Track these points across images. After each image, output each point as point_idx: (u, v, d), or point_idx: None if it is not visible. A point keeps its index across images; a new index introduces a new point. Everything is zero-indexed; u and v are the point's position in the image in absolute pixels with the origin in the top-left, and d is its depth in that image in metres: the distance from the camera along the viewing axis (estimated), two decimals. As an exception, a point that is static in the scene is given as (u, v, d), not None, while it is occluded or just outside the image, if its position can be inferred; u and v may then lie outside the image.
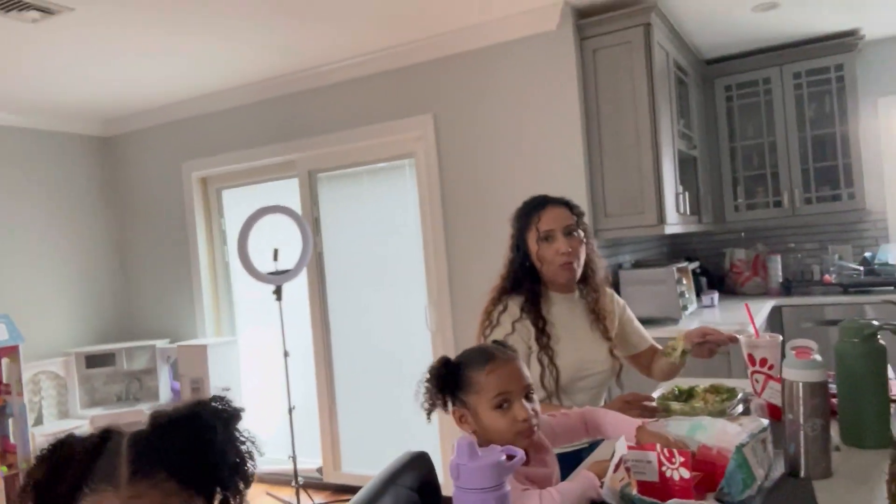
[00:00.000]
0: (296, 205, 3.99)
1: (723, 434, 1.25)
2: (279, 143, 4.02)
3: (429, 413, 1.31)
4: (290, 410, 3.70)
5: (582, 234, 1.88)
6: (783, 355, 1.39)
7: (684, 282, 3.52)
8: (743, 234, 4.49)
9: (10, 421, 3.69)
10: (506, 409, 1.24)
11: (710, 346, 1.75)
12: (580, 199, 3.12)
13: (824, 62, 4.00)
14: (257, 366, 4.37)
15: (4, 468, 3.58)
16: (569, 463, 1.52)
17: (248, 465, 0.74)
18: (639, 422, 1.38)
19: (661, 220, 3.13)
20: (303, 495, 3.76)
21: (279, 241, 3.84)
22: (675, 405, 1.63)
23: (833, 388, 1.46)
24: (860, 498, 1.16)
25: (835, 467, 1.27)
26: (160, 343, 4.41)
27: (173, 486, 0.69)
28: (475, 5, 3.08)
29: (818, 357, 1.29)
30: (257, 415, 4.36)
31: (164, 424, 0.72)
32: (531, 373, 1.80)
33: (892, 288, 3.75)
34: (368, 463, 3.88)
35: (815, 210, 4.07)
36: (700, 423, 1.32)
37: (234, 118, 4.19)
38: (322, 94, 3.87)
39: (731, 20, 3.57)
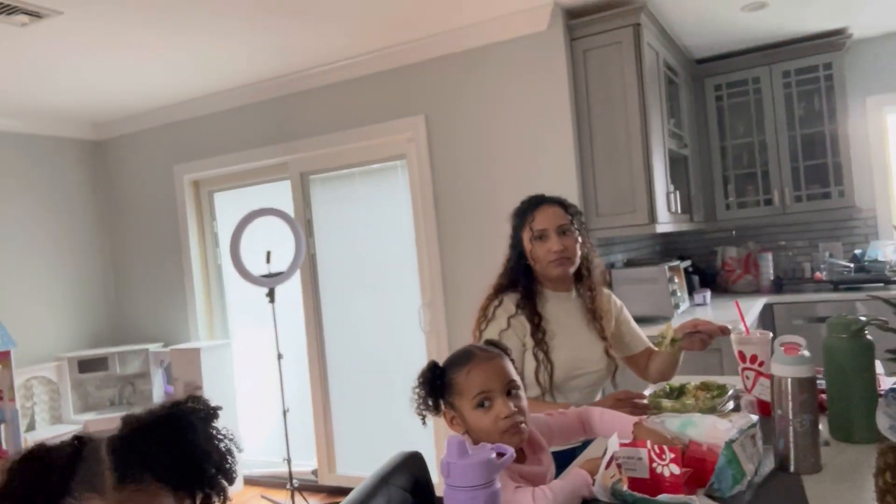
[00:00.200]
0: (288, 207, 3.99)
1: (713, 430, 1.26)
2: (271, 145, 4.02)
3: (423, 418, 1.32)
4: (285, 413, 3.70)
5: (577, 233, 1.90)
6: (773, 352, 1.40)
7: (676, 280, 3.53)
8: (734, 232, 4.51)
9: (3, 427, 3.66)
10: (488, 408, 1.25)
11: (701, 338, 1.75)
12: (572, 198, 3.07)
13: (813, 61, 4.02)
14: (251, 368, 4.37)
15: (-3, 474, 3.55)
16: (564, 461, 1.52)
17: (230, 462, 0.74)
18: (634, 419, 1.39)
19: (653, 219, 3.15)
20: (298, 498, 3.75)
21: (272, 243, 3.83)
22: (667, 402, 1.64)
23: (822, 383, 1.48)
24: (849, 492, 1.17)
25: (824, 462, 1.28)
26: (153, 347, 4.39)
27: (160, 488, 0.69)
28: (466, 6, 3.09)
29: (806, 353, 1.31)
30: (251, 418, 4.36)
31: (143, 427, 0.71)
32: (526, 369, 1.82)
33: (882, 284, 3.78)
34: (363, 465, 3.87)
35: (806, 208, 4.10)
36: (691, 419, 1.33)
37: (226, 121, 4.18)
38: (314, 96, 3.87)
39: (720, 20, 3.59)
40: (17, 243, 4.21)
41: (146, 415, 0.72)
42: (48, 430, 4.06)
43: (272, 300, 3.68)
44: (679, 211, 3.58)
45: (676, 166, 3.79)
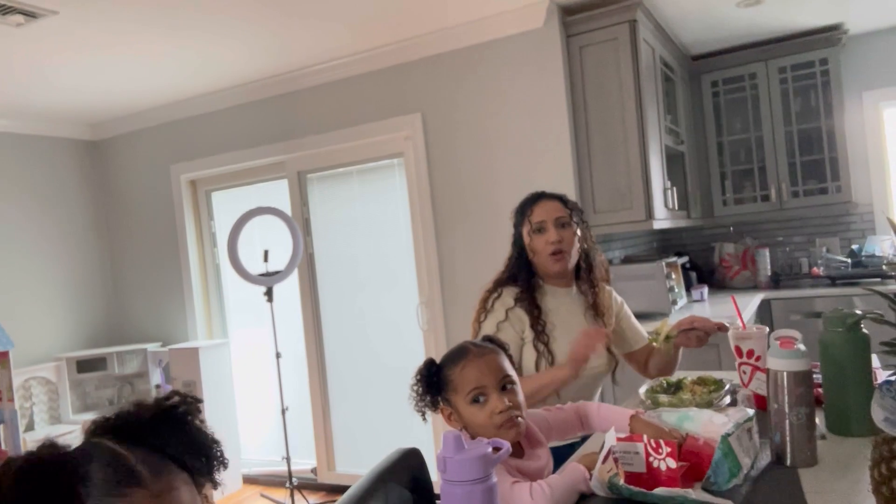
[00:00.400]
0: (286, 206, 3.99)
1: (709, 424, 1.27)
2: (268, 144, 4.02)
3: (422, 415, 1.33)
4: (284, 411, 3.70)
5: (576, 227, 1.91)
6: (769, 346, 1.40)
7: (673, 276, 3.54)
8: (731, 228, 4.52)
9: (1, 427, 3.66)
10: (483, 403, 1.26)
11: (697, 335, 1.76)
12: (569, 195, 3.12)
13: (809, 57, 4.03)
14: (250, 367, 4.37)
15: (-4, 475, 3.55)
16: (562, 456, 1.53)
17: (222, 450, 0.75)
18: (631, 412, 1.40)
19: (650, 215, 3.15)
20: (297, 496, 3.76)
21: (269, 242, 3.84)
22: (664, 397, 1.64)
23: (818, 377, 1.48)
24: (845, 485, 1.17)
25: (820, 455, 1.28)
26: (151, 346, 4.39)
27: (183, 477, 0.70)
28: (462, 4, 3.09)
29: (802, 346, 1.31)
30: (250, 417, 4.36)
31: (149, 422, 0.71)
32: (526, 360, 1.83)
33: (879, 279, 3.79)
34: (363, 463, 3.88)
35: (803, 203, 4.10)
36: (687, 414, 1.34)
37: (223, 120, 4.18)
38: (310, 95, 3.87)
39: (716, 16, 3.60)
40: (14, 244, 4.21)
41: (143, 410, 0.72)
42: (47, 431, 4.06)
43: (270, 299, 3.68)
44: (676, 207, 3.59)
45: (673, 162, 3.79)
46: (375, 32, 3.35)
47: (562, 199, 1.94)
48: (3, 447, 3.66)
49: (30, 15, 2.70)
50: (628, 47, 3.12)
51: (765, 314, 3.91)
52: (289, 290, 4.01)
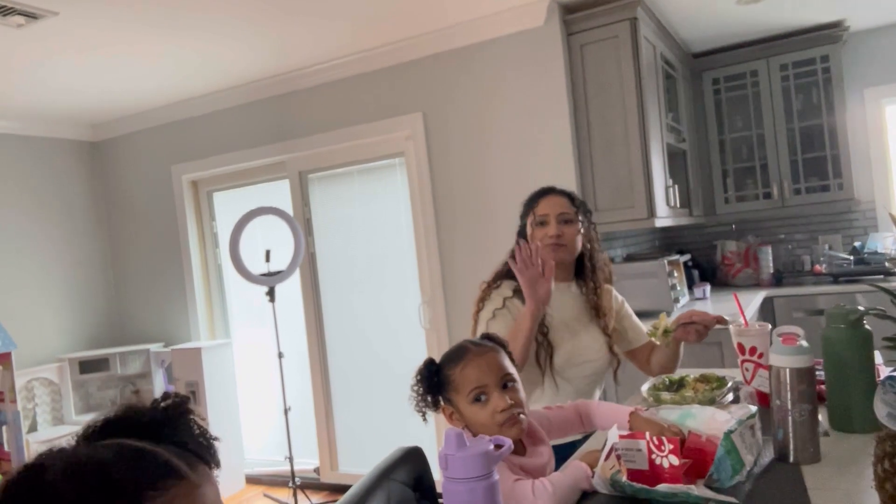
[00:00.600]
0: (287, 206, 4.00)
1: (712, 421, 1.26)
2: (269, 144, 4.02)
3: (423, 415, 1.33)
4: (286, 411, 3.70)
5: (580, 225, 1.91)
6: (772, 343, 1.39)
7: (675, 274, 3.53)
8: (733, 226, 4.51)
9: (4, 429, 3.67)
10: (484, 402, 1.26)
11: (696, 328, 1.75)
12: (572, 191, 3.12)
13: (810, 54, 4.02)
14: (252, 368, 4.37)
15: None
16: (564, 455, 1.53)
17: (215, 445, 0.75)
18: (631, 408, 1.39)
19: (652, 213, 3.15)
20: (300, 496, 3.76)
21: (271, 242, 3.84)
22: (666, 395, 1.64)
23: (821, 374, 1.48)
24: (848, 482, 1.17)
25: (823, 452, 1.28)
26: (154, 347, 4.40)
27: (207, 468, 0.70)
28: (462, 3, 3.09)
29: (804, 343, 1.30)
30: (253, 417, 4.36)
31: (160, 419, 0.71)
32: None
33: (881, 276, 3.78)
34: (365, 462, 3.87)
35: (805, 201, 4.10)
36: (689, 411, 1.33)
37: (224, 120, 4.18)
38: (311, 95, 3.87)
39: (716, 13, 3.59)
40: (16, 245, 4.22)
41: (146, 409, 0.72)
42: (50, 432, 4.06)
43: (272, 299, 3.68)
44: (678, 205, 3.58)
45: (675, 160, 3.79)
46: (376, 32, 3.35)
47: (570, 197, 1.96)
48: (6, 448, 3.67)
49: (30, 16, 2.70)
50: (629, 45, 3.12)
51: (767, 312, 3.90)
52: (291, 289, 4.01)
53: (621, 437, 1.21)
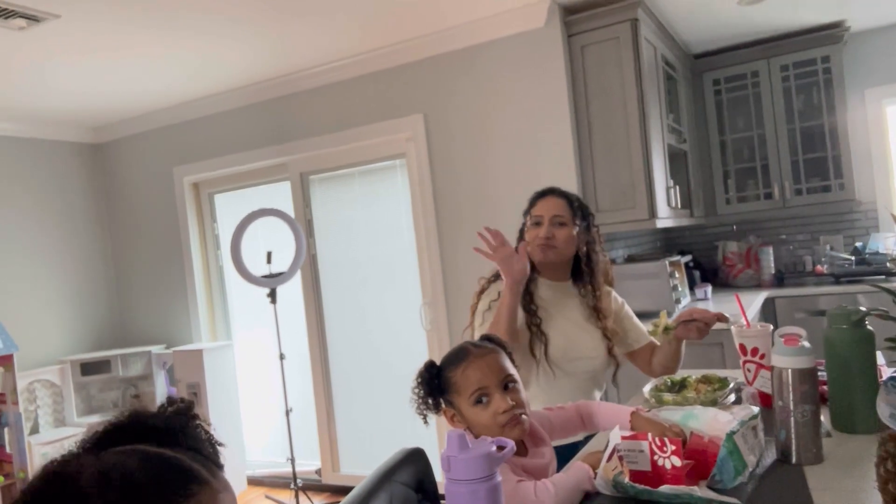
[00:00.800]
0: (288, 207, 4.00)
1: (714, 422, 1.26)
2: (270, 146, 4.02)
3: (424, 418, 1.33)
4: (288, 413, 3.70)
5: (576, 228, 1.93)
6: (773, 344, 1.40)
7: (677, 275, 3.53)
8: (735, 226, 4.51)
9: (6, 430, 3.67)
10: (486, 404, 1.26)
11: (697, 326, 1.76)
12: (575, 193, 3.12)
13: (811, 54, 4.02)
14: (254, 369, 4.37)
15: (1, 478, 3.56)
16: (566, 455, 1.53)
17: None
18: (631, 409, 1.39)
19: (653, 214, 3.15)
20: (302, 497, 3.76)
21: (272, 244, 3.84)
22: (668, 396, 1.64)
23: (823, 375, 1.48)
24: (851, 482, 1.17)
25: (826, 453, 1.28)
26: (156, 349, 4.40)
27: (222, 474, 0.70)
28: (463, 5, 3.09)
29: (807, 344, 1.30)
30: (255, 418, 4.37)
31: (172, 426, 0.70)
32: (520, 340, 1.84)
33: (883, 277, 3.78)
34: (367, 463, 3.87)
35: (806, 201, 4.10)
36: (692, 412, 1.33)
37: (225, 122, 4.19)
38: (312, 97, 3.87)
39: (717, 14, 3.59)
40: (18, 247, 4.22)
41: (156, 415, 0.72)
42: (52, 434, 4.06)
43: (274, 301, 3.68)
44: (679, 206, 3.58)
45: (676, 161, 3.79)
46: (377, 33, 3.35)
47: (569, 199, 1.97)
48: (8, 450, 3.67)
49: (32, 19, 2.70)
50: (630, 46, 3.12)
51: (769, 312, 3.90)
52: (292, 291, 4.01)
53: (623, 438, 1.21)
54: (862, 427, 1.37)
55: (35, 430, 4.12)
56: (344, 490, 3.89)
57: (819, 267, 4.12)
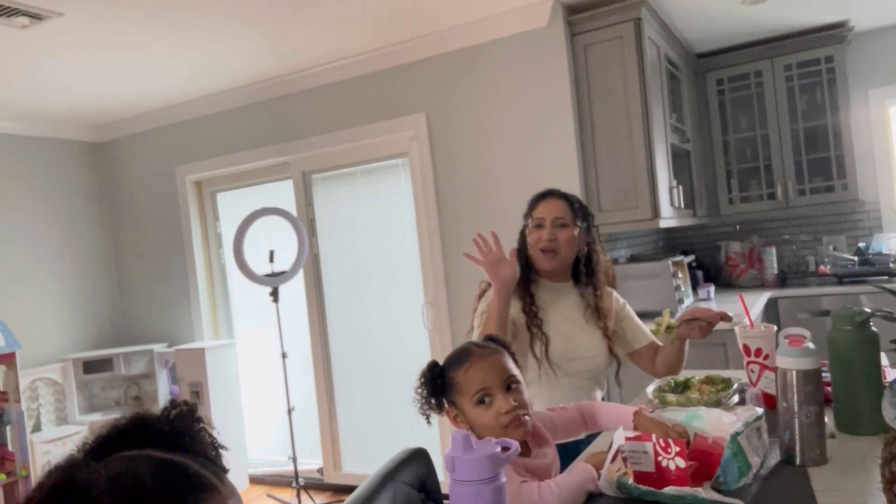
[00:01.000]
0: (291, 206, 4.00)
1: (718, 423, 1.26)
2: (273, 144, 4.02)
3: (427, 418, 1.33)
4: (290, 412, 3.70)
5: (577, 230, 1.93)
6: (778, 345, 1.39)
7: (680, 275, 3.52)
8: (737, 226, 4.50)
9: (8, 428, 3.68)
10: (488, 404, 1.26)
11: (700, 325, 1.76)
12: (575, 195, 3.12)
13: (815, 54, 4.01)
14: (256, 368, 4.37)
15: (3, 476, 3.57)
16: (567, 454, 1.53)
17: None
18: (634, 408, 1.39)
19: (656, 214, 3.14)
20: (303, 496, 3.76)
21: (275, 242, 3.84)
22: (672, 397, 1.64)
23: (827, 376, 1.47)
24: (855, 484, 1.16)
25: (830, 454, 1.27)
26: (158, 347, 4.40)
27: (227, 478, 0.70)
28: (466, 4, 3.09)
29: (811, 345, 1.30)
30: (257, 417, 4.37)
31: (177, 430, 0.69)
32: (521, 342, 1.84)
33: (886, 277, 3.77)
34: (369, 463, 3.88)
35: (809, 201, 4.09)
36: (696, 413, 1.33)
37: (227, 121, 4.19)
38: (314, 96, 3.87)
39: (720, 14, 3.59)
40: (20, 246, 4.23)
41: (160, 419, 0.71)
42: (54, 432, 4.07)
43: (276, 300, 3.68)
44: (682, 206, 3.57)
45: (679, 161, 3.78)
46: (379, 33, 3.35)
47: (569, 200, 1.97)
48: (11, 448, 3.67)
49: (35, 17, 2.71)
50: (633, 45, 3.11)
51: (771, 313, 3.90)
52: (294, 290, 4.02)
53: (627, 438, 1.20)
54: (866, 428, 1.36)
55: (37, 428, 4.12)
56: (345, 489, 3.90)
57: (822, 267, 4.12)
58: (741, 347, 1.67)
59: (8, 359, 3.64)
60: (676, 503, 1.12)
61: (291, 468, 3.75)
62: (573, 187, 3.15)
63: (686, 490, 1.10)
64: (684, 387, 1.71)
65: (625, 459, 1.18)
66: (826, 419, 1.30)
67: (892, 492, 0.99)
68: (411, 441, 1.75)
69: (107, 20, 2.84)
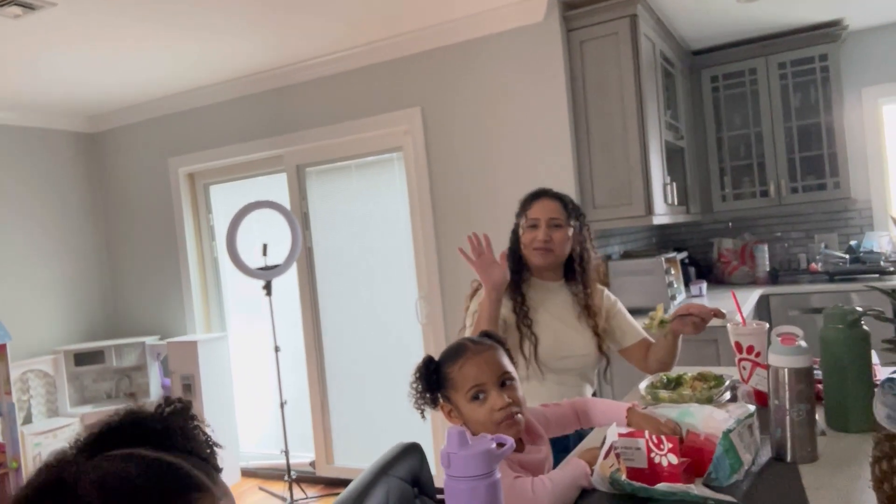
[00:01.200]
0: (284, 199, 3.98)
1: (710, 420, 1.27)
2: (267, 137, 4.01)
3: (421, 412, 1.33)
4: (282, 405, 3.71)
5: (570, 230, 1.95)
6: (769, 342, 1.40)
7: (672, 272, 3.54)
8: (730, 223, 4.52)
9: (-1, 420, 3.66)
10: (482, 400, 1.26)
11: (693, 320, 1.77)
12: (568, 190, 3.12)
13: (809, 52, 4.03)
14: (248, 361, 4.37)
15: (-6, 467, 3.56)
16: (557, 447, 1.53)
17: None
18: (628, 405, 1.40)
19: (649, 210, 3.15)
20: (295, 489, 3.77)
21: (268, 236, 3.83)
22: (664, 393, 1.65)
23: (818, 374, 1.49)
24: (845, 481, 1.17)
25: (820, 451, 1.29)
26: (150, 340, 4.39)
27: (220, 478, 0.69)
28: (462, -2, 3.08)
29: (803, 343, 1.31)
30: (249, 410, 4.37)
31: (170, 428, 0.68)
32: (511, 341, 1.86)
33: (877, 275, 3.80)
34: (361, 456, 3.89)
35: (801, 199, 4.11)
36: (688, 409, 1.34)
37: (221, 113, 4.17)
38: (309, 89, 3.85)
39: (716, 11, 3.59)
40: (11, 236, 4.20)
41: (153, 417, 0.70)
42: (45, 423, 4.05)
43: (269, 293, 3.68)
44: (675, 202, 3.59)
45: (673, 158, 3.79)
46: (374, 26, 3.33)
47: (563, 201, 1.99)
48: (1, 440, 3.66)
49: (28, 7, 2.68)
50: (629, 42, 3.12)
51: (763, 309, 3.92)
52: (287, 284, 4.01)
53: (620, 435, 1.21)
54: (856, 426, 1.38)
55: (28, 419, 4.11)
56: (337, 482, 3.91)
57: (813, 265, 4.14)
58: (733, 344, 1.68)
59: (-1, 350, 3.62)
60: (669, 499, 1.13)
61: (283, 461, 3.75)
62: (567, 183, 3.16)
63: (678, 487, 1.11)
64: (676, 383, 1.72)
65: (618, 455, 1.19)
66: (817, 417, 1.31)
67: (882, 490, 1.00)
68: (403, 435, 1.75)
69: (100, 10, 2.82)
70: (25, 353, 4.13)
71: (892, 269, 3.81)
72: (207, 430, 0.72)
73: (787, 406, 1.27)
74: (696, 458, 1.19)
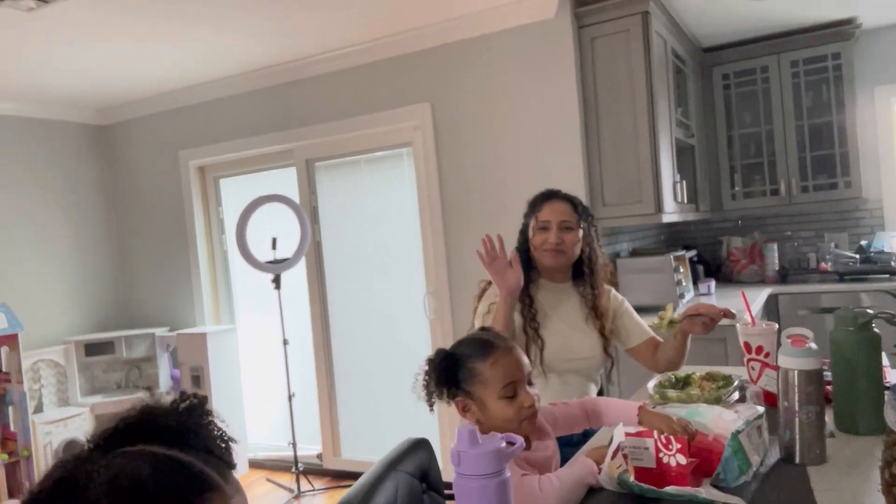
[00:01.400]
0: (294, 194, 4.00)
1: (719, 421, 1.27)
2: (277, 131, 4.02)
3: (431, 405, 1.33)
4: (290, 397, 3.73)
5: (581, 232, 1.96)
6: (779, 343, 1.40)
7: (681, 270, 3.53)
8: (740, 222, 4.50)
9: (10, 409, 3.70)
10: (513, 398, 1.26)
11: (703, 320, 1.77)
12: (578, 188, 3.12)
13: (822, 51, 4.00)
14: (257, 353, 4.39)
15: (5, 456, 3.60)
16: (562, 447, 1.54)
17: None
18: (638, 404, 1.41)
19: (659, 208, 3.14)
20: (303, 481, 3.79)
21: (277, 229, 3.85)
22: (672, 393, 1.65)
23: (828, 375, 1.48)
24: (854, 484, 1.18)
25: (829, 454, 1.29)
26: (159, 331, 4.42)
27: (233, 475, 0.69)
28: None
29: (813, 345, 1.31)
30: (257, 402, 4.39)
31: (185, 425, 0.68)
32: (517, 343, 1.86)
33: (887, 276, 3.78)
34: (368, 449, 3.91)
35: (812, 198, 4.09)
36: (697, 409, 1.35)
37: (232, 107, 4.18)
38: (320, 83, 3.86)
39: (728, 8, 3.57)
40: (23, 228, 4.23)
41: (167, 413, 0.69)
42: (56, 413, 4.09)
43: (278, 286, 3.70)
44: (685, 201, 3.57)
45: (683, 156, 3.78)
46: (385, 21, 3.33)
47: (573, 203, 2.00)
48: (13, 428, 3.70)
49: (41, 0, 2.70)
50: (640, 39, 3.10)
51: (772, 309, 3.91)
52: (296, 277, 4.03)
53: (628, 434, 1.22)
54: (865, 429, 1.38)
55: (39, 409, 4.15)
56: (344, 475, 3.93)
57: (823, 264, 4.12)
58: (742, 345, 1.68)
59: (10, 340, 3.66)
60: (676, 500, 1.13)
61: (291, 453, 3.78)
62: (577, 181, 3.16)
63: (686, 490, 1.12)
64: (685, 383, 1.72)
65: (625, 456, 1.19)
66: (826, 419, 1.31)
67: (892, 494, 1.01)
68: (410, 429, 1.77)
69: (111, 4, 2.83)
70: (37, 343, 4.16)
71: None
72: (222, 426, 0.72)
73: (797, 408, 1.28)
74: (705, 458, 1.20)
